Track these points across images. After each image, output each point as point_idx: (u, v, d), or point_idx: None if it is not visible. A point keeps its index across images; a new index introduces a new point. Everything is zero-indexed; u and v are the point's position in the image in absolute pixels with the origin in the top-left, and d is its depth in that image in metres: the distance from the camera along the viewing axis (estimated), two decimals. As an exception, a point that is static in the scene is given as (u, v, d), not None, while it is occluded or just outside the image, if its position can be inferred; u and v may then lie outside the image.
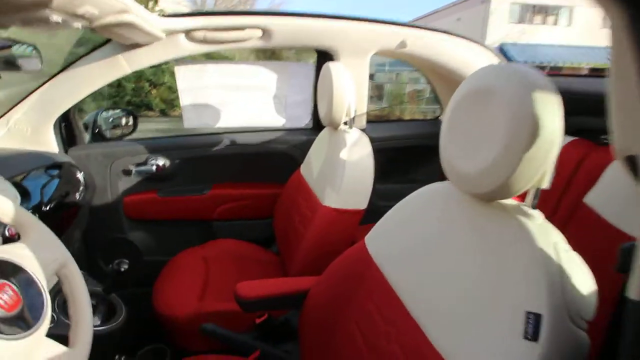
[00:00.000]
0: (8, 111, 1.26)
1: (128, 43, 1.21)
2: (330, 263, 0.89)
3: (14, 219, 0.63)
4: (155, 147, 1.50)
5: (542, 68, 9.70)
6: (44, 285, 0.58)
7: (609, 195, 0.93)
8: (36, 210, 0.99)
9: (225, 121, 1.58)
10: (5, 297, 0.52)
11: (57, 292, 0.79)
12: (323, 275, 0.90)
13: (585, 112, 1.03)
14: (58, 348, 0.59)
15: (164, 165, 1.50)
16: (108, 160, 1.45)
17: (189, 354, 1.02)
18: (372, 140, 1.54)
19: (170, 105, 7.93)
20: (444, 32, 1.49)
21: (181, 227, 1.60)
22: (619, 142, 0.36)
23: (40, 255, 0.61)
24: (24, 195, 0.97)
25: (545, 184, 0.51)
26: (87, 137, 1.52)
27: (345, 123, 1.22)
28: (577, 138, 1.12)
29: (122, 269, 0.90)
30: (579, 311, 0.47)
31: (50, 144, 1.32)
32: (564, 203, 1.07)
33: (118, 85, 8.23)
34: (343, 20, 1.40)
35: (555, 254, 0.49)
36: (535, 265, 0.48)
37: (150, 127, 6.34)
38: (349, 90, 1.15)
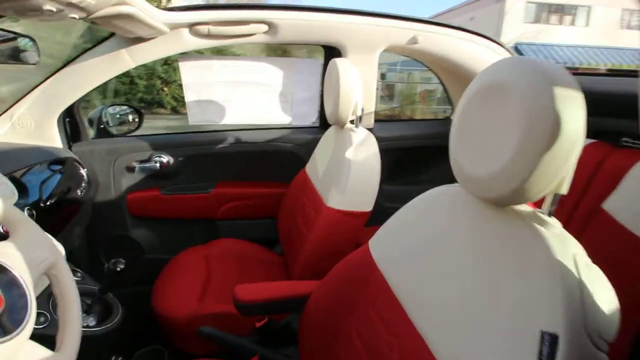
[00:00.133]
0: (12, 105, 1.25)
1: (131, 37, 1.19)
2: (333, 266, 0.86)
3: (3, 216, 0.61)
4: (159, 144, 1.48)
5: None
6: (29, 286, 0.55)
7: (631, 201, 0.88)
8: (35, 206, 0.97)
9: (230, 118, 1.56)
10: (-15, 298, 0.49)
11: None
12: (325, 278, 0.87)
13: (607, 113, 0.98)
14: (42, 352, 0.56)
15: (167, 162, 1.48)
16: (112, 156, 1.44)
17: (187, 357, 1.00)
18: (380, 140, 1.49)
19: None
20: (458, 28, 1.44)
21: (184, 226, 1.58)
22: None
23: (29, 255, 0.59)
24: (23, 190, 0.95)
25: (564, 190, 0.47)
26: (91, 132, 1.52)
27: (352, 122, 1.18)
28: (595, 140, 1.07)
29: (119, 269, 0.88)
30: (599, 331, 0.42)
31: (54, 139, 1.31)
32: (580, 209, 1.01)
33: (131, 82, 8.33)
34: (351, 15, 1.36)
35: (575, 267, 0.45)
36: (552, 280, 0.44)
37: (161, 124, 6.39)
38: (356, 88, 1.11)
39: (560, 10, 15.96)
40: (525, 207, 0.53)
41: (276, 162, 1.58)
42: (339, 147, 1.16)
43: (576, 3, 15.71)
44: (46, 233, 0.89)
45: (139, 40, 1.22)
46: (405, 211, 0.74)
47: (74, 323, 0.63)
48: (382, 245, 0.76)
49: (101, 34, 1.26)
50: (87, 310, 0.88)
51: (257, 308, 0.91)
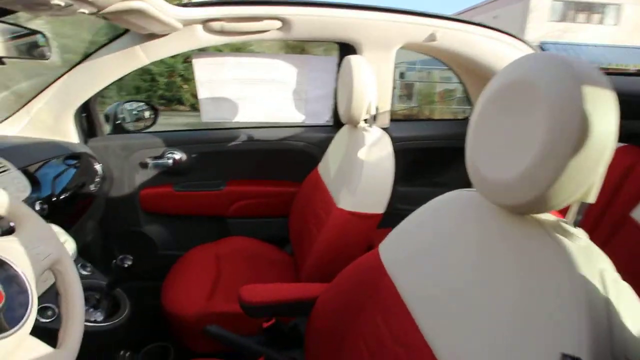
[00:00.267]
0: (30, 100, 1.27)
1: (145, 33, 1.19)
2: (342, 269, 0.83)
3: (9, 211, 0.61)
4: (172, 140, 1.49)
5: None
6: (31, 281, 0.55)
7: None
8: (47, 200, 0.98)
9: (243, 115, 1.54)
10: (-15, 294, 0.49)
11: None
12: (334, 281, 0.84)
13: (636, 115, 0.91)
14: (43, 349, 0.55)
15: (180, 159, 1.48)
16: (126, 152, 1.45)
17: (193, 355, 0.99)
18: (395, 140, 1.45)
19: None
20: (479, 24, 1.38)
21: (195, 223, 1.58)
22: None
23: (32, 250, 0.58)
24: (36, 184, 0.96)
25: (592, 198, 0.43)
26: (107, 128, 1.53)
27: (366, 121, 1.14)
28: (626, 144, 1.00)
29: (126, 265, 0.87)
30: (627, 355, 0.38)
31: (70, 135, 1.33)
32: (607, 217, 0.95)
33: (152, 79, 8.51)
34: (367, 11, 1.32)
35: (602, 284, 0.40)
36: (576, 297, 0.40)
37: (180, 121, 6.48)
38: (370, 86, 1.07)
39: (588, 8, 15.39)
40: (547, 216, 0.49)
41: (288, 161, 1.56)
42: (352, 146, 1.13)
43: (605, 1, 15.12)
44: (53, 228, 0.90)
45: (153, 36, 1.22)
46: (416, 215, 0.71)
47: (76, 320, 0.62)
48: (391, 249, 0.73)
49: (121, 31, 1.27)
50: (95, 305, 0.88)
51: (262, 310, 0.89)
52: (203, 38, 1.26)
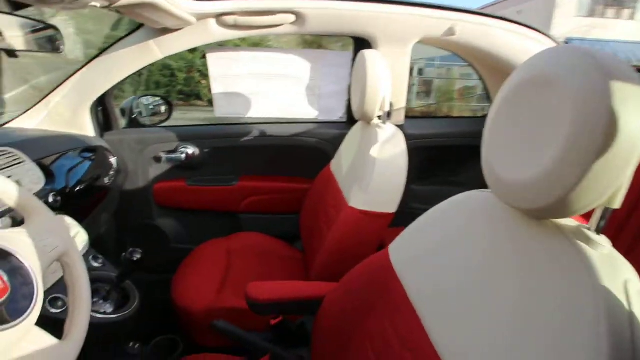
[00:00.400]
0: (49, 94, 1.29)
1: (158, 27, 1.19)
2: (351, 268, 0.81)
3: (18, 203, 0.61)
4: (185, 135, 1.49)
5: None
6: (37, 273, 0.55)
7: None
8: (61, 192, 1.00)
9: (256, 111, 1.54)
10: (-12, 285, 0.49)
11: None
12: (342, 281, 0.83)
13: None
14: (48, 340, 0.56)
15: (193, 153, 1.49)
16: (140, 146, 1.46)
17: (201, 349, 0.99)
18: (411, 138, 1.42)
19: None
20: (500, 18, 1.33)
21: (208, 217, 1.59)
22: None
23: (40, 242, 0.59)
24: (50, 176, 0.98)
25: (618, 204, 0.39)
26: (123, 122, 1.55)
27: (379, 117, 1.12)
28: None
29: (135, 258, 0.88)
30: None
31: (86, 128, 1.35)
32: (631, 224, 0.90)
33: (171, 75, 8.65)
34: (383, 4, 1.29)
35: (625, 296, 0.37)
36: (597, 310, 0.37)
37: (198, 116, 6.57)
38: (385, 81, 1.04)
39: (618, 3, 14.73)
40: (567, 221, 0.46)
41: (301, 157, 1.55)
42: (365, 144, 1.10)
43: (637, -5, 14.45)
44: (66, 220, 0.92)
45: (167, 31, 1.22)
46: (427, 216, 0.68)
47: (82, 312, 0.62)
48: (401, 250, 0.71)
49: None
50: (105, 297, 0.89)
51: (269, 307, 0.88)
52: (216, 32, 1.26)
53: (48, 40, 0.92)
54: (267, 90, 1.51)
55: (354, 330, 0.75)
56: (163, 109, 1.70)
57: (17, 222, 0.73)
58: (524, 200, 0.45)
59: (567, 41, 12.82)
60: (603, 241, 0.42)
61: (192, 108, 7.97)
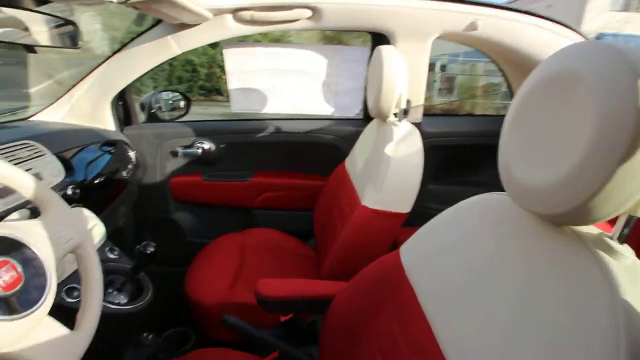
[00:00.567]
0: (72, 88, 1.33)
1: (176, 23, 1.20)
2: (362, 267, 0.80)
3: (35, 195, 0.63)
4: (202, 130, 1.51)
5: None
6: (50, 264, 0.56)
7: None
8: (80, 184, 1.02)
9: (272, 107, 1.53)
10: (3, 274, 0.51)
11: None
12: (351, 281, 0.81)
13: None
14: (60, 329, 0.57)
15: (209, 149, 1.50)
16: (158, 141, 1.48)
17: (211, 342, 1.00)
18: (428, 136, 1.38)
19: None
20: (526, 12, 1.27)
21: (223, 212, 1.60)
22: None
23: (55, 234, 0.60)
24: (70, 169, 1.00)
25: None
26: (143, 117, 1.58)
27: (395, 115, 1.09)
28: None
29: (148, 251, 0.89)
30: None
31: (107, 122, 1.38)
32: None
33: (193, 70, 8.79)
34: None
35: None
36: (615, 326, 0.34)
37: (218, 111, 6.65)
38: (401, 78, 1.01)
39: (656, -5, 13.97)
40: (588, 229, 0.43)
41: (316, 154, 1.54)
42: (379, 141, 1.08)
43: (678, -13, 13.64)
44: (84, 212, 0.94)
45: (184, 26, 1.23)
46: (441, 217, 0.66)
47: (94, 303, 0.63)
48: (412, 251, 0.69)
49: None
50: (119, 289, 0.91)
51: (278, 305, 0.88)
52: (233, 27, 1.26)
53: (67, 36, 0.94)
54: (283, 86, 1.51)
55: (362, 330, 0.74)
56: (182, 104, 1.72)
57: (35, 214, 0.75)
58: (541, 205, 0.42)
59: (599, 37, 12.27)
60: (626, 251, 0.39)
61: (213, 103, 8.08)
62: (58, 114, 1.32)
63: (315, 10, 1.25)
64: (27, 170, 0.85)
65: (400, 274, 0.68)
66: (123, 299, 0.89)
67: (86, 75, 1.31)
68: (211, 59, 8.68)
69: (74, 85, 1.32)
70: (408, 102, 1.08)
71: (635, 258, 0.39)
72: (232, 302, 1.10)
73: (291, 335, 0.96)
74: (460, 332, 0.52)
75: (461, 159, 1.55)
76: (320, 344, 0.86)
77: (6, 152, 0.86)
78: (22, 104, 1.46)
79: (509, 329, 0.44)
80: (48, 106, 1.31)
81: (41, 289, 0.54)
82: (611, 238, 0.40)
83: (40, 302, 0.53)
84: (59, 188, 0.92)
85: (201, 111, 6.34)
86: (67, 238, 0.62)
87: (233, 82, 1.49)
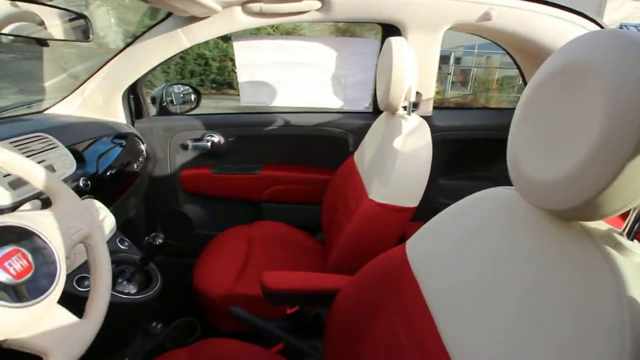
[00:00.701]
0: (85, 81, 1.35)
1: (185, 16, 1.20)
2: (368, 262, 0.80)
3: (46, 186, 0.64)
4: (212, 123, 1.52)
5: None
6: (60, 254, 0.58)
7: None
8: (92, 176, 1.04)
9: (281, 100, 1.53)
10: (14, 263, 0.52)
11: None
12: (356, 275, 0.81)
13: None
14: (68, 318, 0.58)
15: (218, 142, 1.51)
16: (169, 134, 1.50)
17: (218, 333, 1.02)
18: (439, 130, 1.36)
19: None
20: (543, 2, 1.22)
21: (231, 205, 1.62)
22: None
23: (65, 224, 0.61)
24: (82, 161, 1.02)
25: None
26: (154, 110, 1.60)
27: (405, 108, 1.07)
28: None
29: (157, 243, 0.90)
30: None
31: (118, 115, 1.40)
32: None
33: (205, 64, 8.83)
34: None
35: None
36: (621, 325, 0.33)
37: (229, 104, 6.68)
38: (411, 70, 1.00)
39: (685, -17, 13.35)
40: (597, 224, 0.42)
41: (324, 148, 1.53)
42: (388, 135, 1.07)
43: None
44: (95, 203, 0.95)
45: (194, 19, 1.23)
46: (447, 212, 0.65)
47: (102, 293, 0.65)
48: (418, 245, 0.68)
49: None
50: (129, 279, 0.93)
51: (283, 297, 0.88)
52: (242, 20, 1.25)
53: (79, 29, 0.95)
54: (292, 78, 1.50)
55: (367, 324, 0.74)
56: (192, 97, 1.74)
57: (46, 205, 0.77)
58: (549, 200, 0.41)
59: (621, 27, 11.83)
60: (635, 247, 0.37)
61: (224, 97, 8.12)
62: (71, 107, 1.34)
63: (324, 1, 1.23)
64: (40, 162, 0.87)
65: (405, 269, 0.68)
66: (133, 289, 0.91)
67: (99, 69, 1.33)
68: (223, 52, 8.70)
69: (86, 79, 1.34)
70: (418, 94, 1.06)
71: None
72: (238, 294, 1.12)
73: (297, 328, 0.97)
74: (464, 329, 0.51)
75: (472, 153, 1.52)
76: (325, 338, 0.86)
77: (20, 144, 0.88)
78: (37, 97, 1.49)
79: (513, 326, 0.44)
80: (62, 99, 1.34)
81: (51, 277, 0.55)
82: (621, 234, 0.39)
83: (49, 290, 0.54)
84: (71, 180, 0.94)
85: (213, 105, 6.38)
86: (77, 228, 0.64)
87: (242, 75, 1.49)
